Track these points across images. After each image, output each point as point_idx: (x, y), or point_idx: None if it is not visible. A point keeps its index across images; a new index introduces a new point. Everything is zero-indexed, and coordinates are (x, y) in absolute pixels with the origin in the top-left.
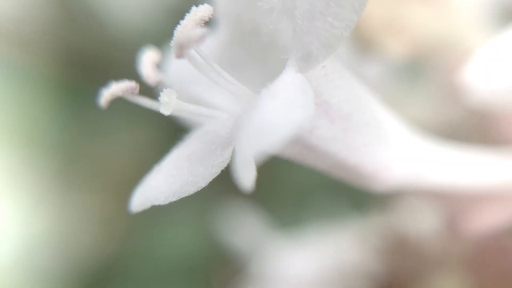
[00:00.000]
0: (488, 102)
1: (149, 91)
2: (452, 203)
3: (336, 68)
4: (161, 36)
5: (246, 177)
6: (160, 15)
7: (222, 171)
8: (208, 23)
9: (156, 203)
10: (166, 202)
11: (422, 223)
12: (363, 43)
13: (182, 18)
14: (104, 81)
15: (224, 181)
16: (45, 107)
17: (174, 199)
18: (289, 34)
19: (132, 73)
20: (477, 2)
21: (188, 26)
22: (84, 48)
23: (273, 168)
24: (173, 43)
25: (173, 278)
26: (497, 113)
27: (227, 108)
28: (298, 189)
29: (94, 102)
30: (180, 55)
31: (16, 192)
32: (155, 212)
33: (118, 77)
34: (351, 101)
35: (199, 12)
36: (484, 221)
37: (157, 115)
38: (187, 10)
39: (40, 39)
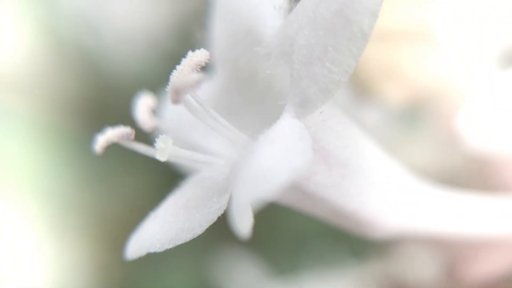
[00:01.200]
0: (486, 149)
1: (145, 136)
2: (451, 250)
3: (334, 113)
4: (157, 81)
5: (243, 224)
6: (156, 60)
7: (219, 217)
8: (205, 68)
9: (152, 250)
10: (162, 249)
11: (421, 270)
12: (361, 89)
13: (178, 63)
14: (99, 127)
15: (221, 228)
16: (40, 153)
17: (170, 246)
18: (287, 79)
19: (127, 118)
20: (477, 47)
21: (184, 71)
22: (79, 93)
23: (270, 215)
24: (169, 88)
25: None
26: (496, 159)
27: (224, 154)
28: (296, 236)
29: (90, 148)
30: (176, 100)
31: (10, 239)
32: (151, 259)
33: (114, 122)
34: (349, 147)
35: (195, 57)
36: (484, 268)
37: (153, 161)
38: (183, 55)
39: (35, 84)
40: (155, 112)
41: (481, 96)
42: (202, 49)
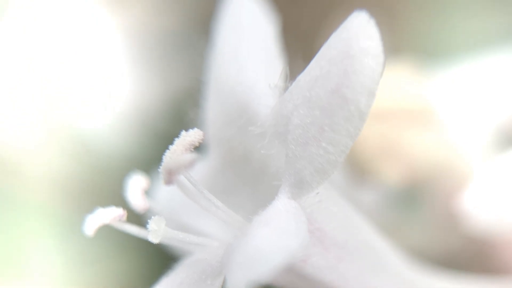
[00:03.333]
0: (487, 230)
1: (137, 218)
2: None
3: (330, 194)
4: (149, 162)
5: None
6: (149, 139)
7: None
8: (198, 148)
9: None
10: None
11: None
12: (358, 168)
13: (171, 143)
14: (90, 208)
15: None
16: (29, 235)
17: None
18: (282, 159)
19: (119, 199)
20: (477, 128)
21: (177, 151)
22: (70, 173)
23: None
24: (162, 169)
25: None
26: (497, 241)
27: (218, 235)
28: None
29: (81, 229)
30: (169, 181)
31: None
32: None
33: (105, 203)
34: (346, 229)
35: (188, 137)
36: None
37: (145, 243)
38: (176, 134)
39: (25, 164)
40: (147, 193)
41: (483, 176)
42: (195, 129)
